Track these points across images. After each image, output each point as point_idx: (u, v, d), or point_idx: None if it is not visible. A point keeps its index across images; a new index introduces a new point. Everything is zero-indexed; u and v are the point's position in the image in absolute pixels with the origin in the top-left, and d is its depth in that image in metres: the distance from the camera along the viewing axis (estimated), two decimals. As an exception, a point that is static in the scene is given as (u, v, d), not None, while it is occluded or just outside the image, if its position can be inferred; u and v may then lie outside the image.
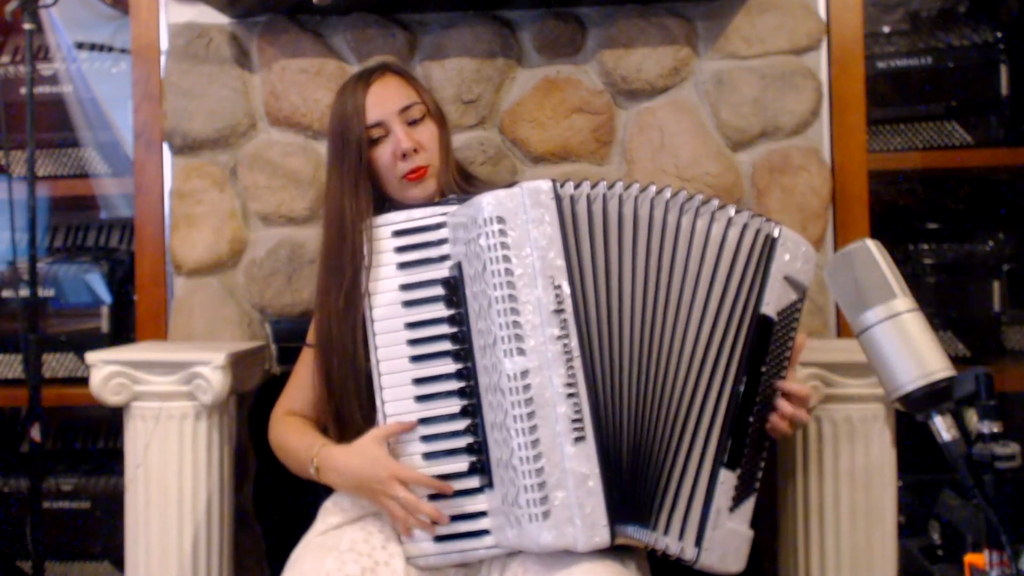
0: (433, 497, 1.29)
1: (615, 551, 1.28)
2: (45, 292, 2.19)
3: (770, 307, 1.28)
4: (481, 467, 1.27)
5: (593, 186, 1.27)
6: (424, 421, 1.31)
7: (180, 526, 1.69)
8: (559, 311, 1.21)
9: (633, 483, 1.24)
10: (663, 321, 1.26)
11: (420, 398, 1.31)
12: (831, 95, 1.97)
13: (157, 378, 1.70)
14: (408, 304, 1.34)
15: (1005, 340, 2.16)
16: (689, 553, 1.24)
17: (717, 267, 1.27)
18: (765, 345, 1.28)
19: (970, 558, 0.95)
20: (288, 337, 1.96)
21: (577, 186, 1.27)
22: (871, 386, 1.59)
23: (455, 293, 1.30)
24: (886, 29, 2.21)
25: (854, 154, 1.97)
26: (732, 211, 1.29)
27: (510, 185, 1.29)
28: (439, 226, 1.35)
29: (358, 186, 1.45)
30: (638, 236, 1.27)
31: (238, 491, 1.93)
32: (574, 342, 1.21)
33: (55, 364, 2.22)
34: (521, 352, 1.20)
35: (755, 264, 1.28)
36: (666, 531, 1.24)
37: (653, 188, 1.29)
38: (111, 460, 2.22)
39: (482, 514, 1.28)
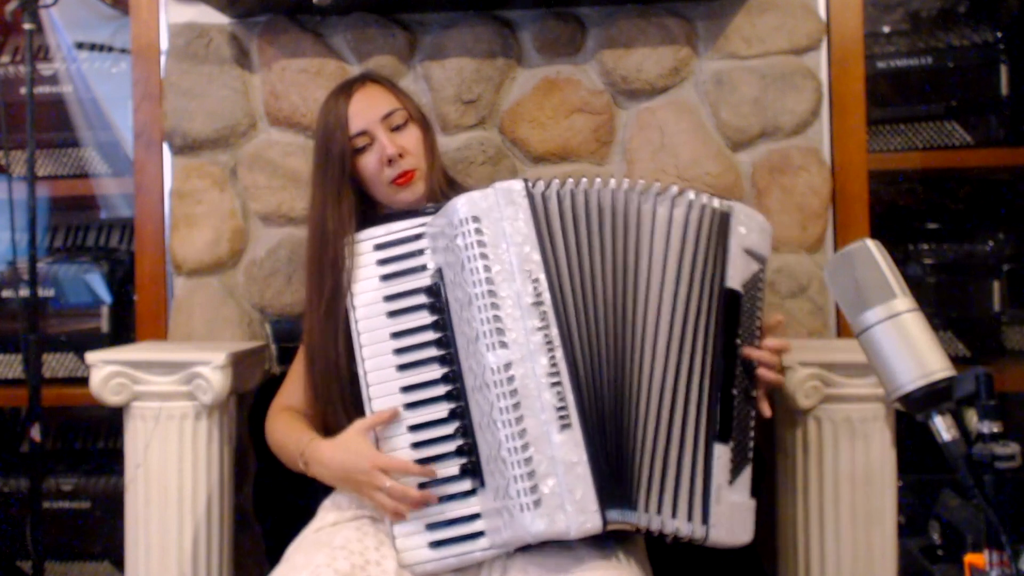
0: (423, 486, 1.31)
1: (616, 549, 1.28)
2: (45, 292, 2.19)
3: (735, 281, 1.32)
4: (472, 468, 1.28)
5: (562, 184, 1.31)
6: (413, 428, 1.32)
7: (180, 526, 1.69)
8: (538, 303, 1.24)
9: (624, 467, 1.25)
10: (635, 306, 1.29)
11: (408, 405, 1.33)
12: (831, 95, 1.97)
13: (157, 378, 1.70)
14: (392, 314, 1.36)
15: (1005, 340, 2.16)
16: (699, 532, 1.26)
17: (683, 249, 1.31)
18: (736, 318, 1.31)
19: (970, 558, 0.95)
20: (288, 337, 1.96)
21: (548, 184, 1.30)
22: (871, 386, 1.59)
23: (438, 299, 1.33)
24: (886, 29, 2.21)
25: (854, 154, 1.97)
26: (691, 194, 1.33)
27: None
28: (418, 237, 1.38)
29: (340, 197, 1.48)
30: (605, 227, 1.31)
31: (238, 491, 1.94)
32: (554, 332, 1.23)
33: (55, 364, 2.22)
34: (503, 345, 1.22)
35: (715, 241, 1.32)
36: (673, 514, 1.25)
37: (614, 181, 1.32)
38: (111, 460, 2.22)
39: (476, 516, 1.28)
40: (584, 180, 1.32)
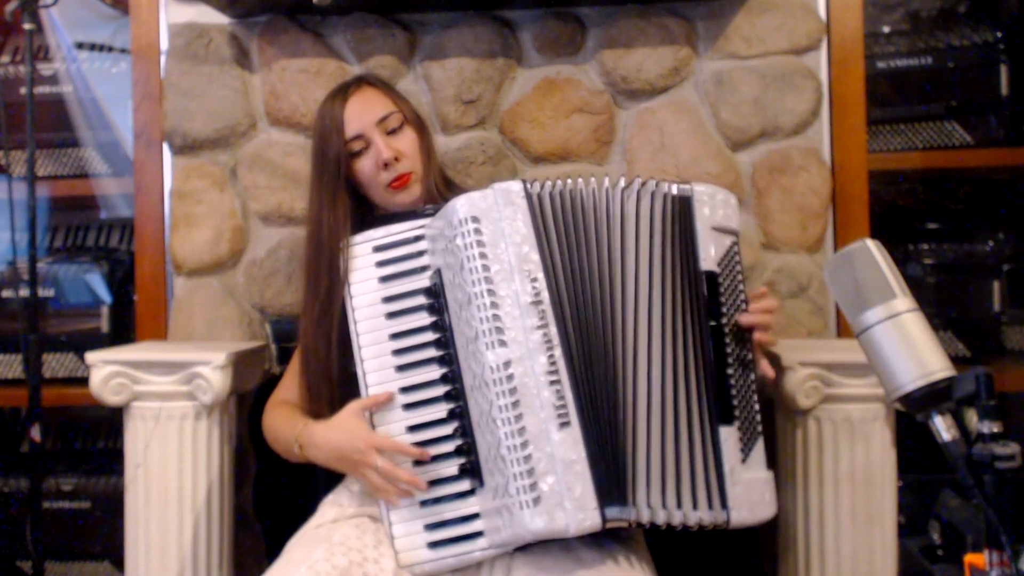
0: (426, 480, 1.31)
1: (616, 550, 1.28)
2: (45, 292, 2.19)
3: (708, 261, 1.33)
4: (471, 468, 1.29)
5: (555, 184, 1.32)
6: (412, 428, 1.33)
7: (180, 526, 1.69)
8: (536, 302, 1.24)
9: (624, 465, 1.24)
10: (625, 302, 1.30)
11: (407, 406, 1.33)
12: (831, 95, 1.97)
13: (157, 378, 1.70)
14: (392, 315, 1.37)
15: (1005, 340, 2.16)
16: (720, 517, 1.26)
17: (651, 240, 1.32)
18: (716, 296, 1.32)
19: (970, 558, 0.95)
20: (288, 337, 1.96)
21: (543, 185, 1.32)
22: (871, 386, 1.59)
23: (437, 300, 1.34)
24: (886, 29, 2.21)
25: (854, 154, 1.97)
26: (651, 185, 1.34)
27: None
28: (418, 238, 1.39)
29: (336, 201, 1.50)
30: (591, 225, 1.32)
31: (238, 491, 1.94)
32: (553, 330, 1.24)
33: (55, 364, 2.22)
34: (503, 344, 1.22)
35: (681, 227, 1.33)
36: (694, 505, 1.25)
37: (595, 180, 1.34)
38: (111, 460, 2.22)
39: (475, 516, 1.29)
40: (580, 180, 1.33)
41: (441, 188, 1.59)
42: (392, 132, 1.53)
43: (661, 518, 1.24)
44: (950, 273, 2.15)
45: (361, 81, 1.59)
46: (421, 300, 1.36)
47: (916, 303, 0.99)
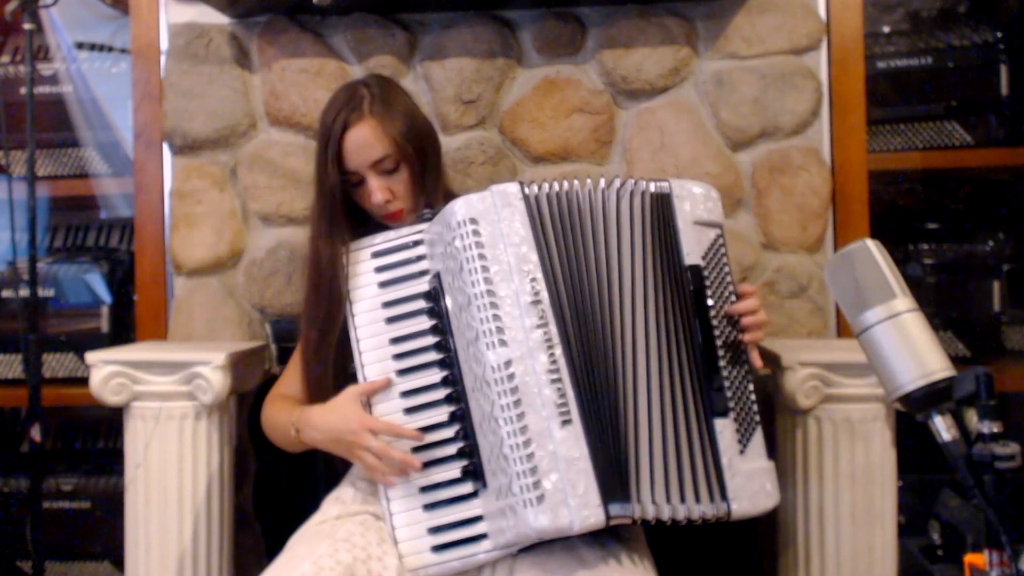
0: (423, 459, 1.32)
1: (619, 551, 1.29)
2: (45, 292, 2.19)
3: (692, 255, 1.34)
4: (473, 470, 1.29)
5: (552, 186, 1.33)
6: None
7: (180, 526, 1.69)
8: (536, 302, 1.25)
9: (626, 461, 1.25)
10: (621, 300, 1.30)
11: (409, 410, 1.34)
12: (831, 95, 1.98)
13: (157, 378, 1.70)
14: (391, 320, 1.38)
15: (1005, 340, 2.16)
16: (721, 510, 1.26)
17: (632, 238, 1.32)
18: (703, 290, 1.33)
19: (970, 558, 0.95)
20: (288, 337, 1.96)
21: (540, 186, 1.32)
22: (871, 386, 1.59)
23: (436, 304, 1.34)
24: (886, 29, 2.21)
25: (854, 154, 1.97)
26: (631, 184, 1.35)
27: None
28: (416, 243, 1.39)
29: (332, 229, 1.49)
30: (587, 226, 1.32)
31: (238, 491, 1.94)
32: (553, 329, 1.25)
33: (55, 364, 2.22)
34: (503, 343, 1.23)
35: (662, 224, 1.34)
36: (696, 499, 1.26)
37: (590, 181, 1.34)
38: (111, 460, 2.22)
39: (478, 519, 1.29)
40: (575, 182, 1.34)
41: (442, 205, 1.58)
42: (387, 172, 1.52)
43: (664, 513, 1.24)
44: (950, 273, 2.15)
45: (361, 112, 1.50)
46: (421, 304, 1.36)
47: (916, 303, 0.99)
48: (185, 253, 2.02)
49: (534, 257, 1.27)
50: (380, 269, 1.41)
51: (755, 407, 1.34)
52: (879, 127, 2.14)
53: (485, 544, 1.28)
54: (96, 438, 2.40)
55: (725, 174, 1.96)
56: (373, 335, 1.38)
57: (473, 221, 1.27)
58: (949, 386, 0.94)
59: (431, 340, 1.34)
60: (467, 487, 1.30)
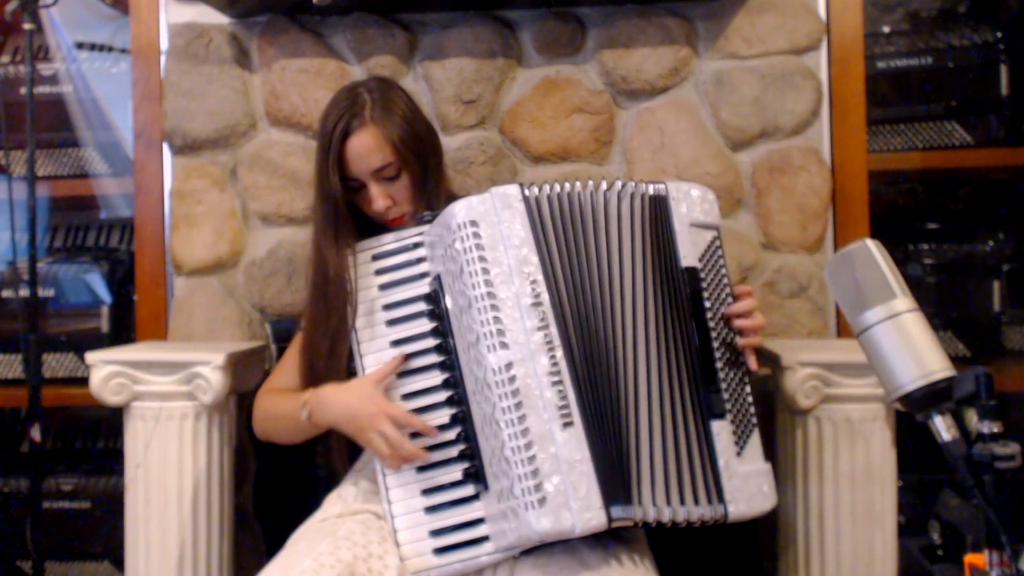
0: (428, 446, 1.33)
1: (620, 552, 1.29)
2: (45, 292, 2.19)
3: (689, 258, 1.34)
4: (475, 473, 1.29)
5: (552, 187, 1.33)
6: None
7: (180, 526, 1.69)
8: (536, 304, 1.25)
9: (626, 463, 1.25)
10: (621, 302, 1.30)
11: (410, 412, 1.34)
12: (831, 95, 1.98)
13: (157, 378, 1.70)
14: (392, 323, 1.38)
15: (1005, 340, 2.16)
16: (718, 512, 1.26)
17: (633, 240, 1.33)
18: (699, 292, 1.33)
19: (970, 558, 0.95)
20: (288, 337, 1.94)
21: (540, 188, 1.32)
22: (871, 386, 1.59)
23: (437, 306, 1.34)
24: (886, 29, 2.21)
25: (854, 154, 1.97)
26: (631, 186, 1.35)
27: None
28: (416, 245, 1.39)
29: (338, 235, 1.48)
30: (588, 227, 1.33)
31: (238, 491, 1.94)
32: (554, 331, 1.24)
33: (55, 364, 2.22)
34: (504, 346, 1.23)
35: (658, 226, 1.34)
36: (695, 500, 1.26)
37: (592, 182, 1.34)
38: (111, 460, 2.22)
39: (480, 521, 1.29)
40: (577, 183, 1.33)
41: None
42: (388, 179, 1.51)
43: (664, 515, 1.24)
44: (950, 273, 2.15)
45: (362, 119, 1.49)
46: (421, 307, 1.36)
47: (916, 303, 0.99)
48: (185, 253, 2.02)
49: (534, 259, 1.27)
50: (380, 272, 1.41)
51: (752, 409, 1.34)
52: (879, 127, 2.14)
53: (487, 546, 1.28)
54: (96, 438, 2.40)
55: (725, 174, 1.96)
56: (373, 338, 1.38)
57: (473, 223, 1.27)
58: (949, 386, 0.94)
59: (432, 342, 1.34)
60: (468, 490, 1.30)
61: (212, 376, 1.67)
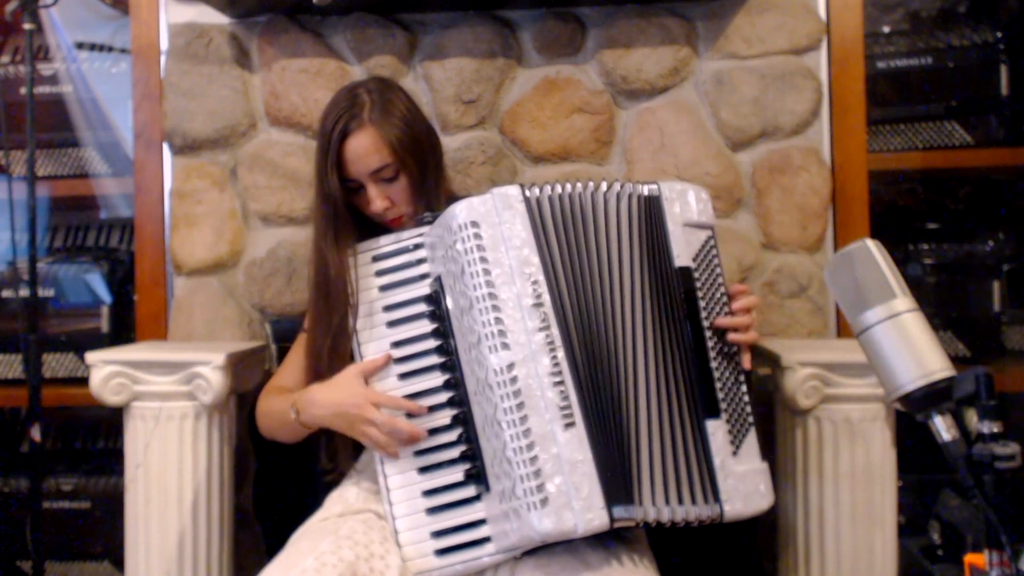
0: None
1: (620, 552, 1.29)
2: (45, 292, 2.19)
3: (682, 257, 1.34)
4: (476, 473, 1.29)
5: (552, 188, 1.33)
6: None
7: (180, 526, 1.69)
8: (538, 304, 1.25)
9: (627, 463, 1.25)
10: (622, 302, 1.31)
11: (411, 414, 1.34)
12: (831, 95, 1.98)
13: (157, 378, 1.70)
14: (392, 324, 1.38)
15: (1005, 340, 2.16)
16: (714, 511, 1.27)
17: (631, 240, 1.33)
18: (693, 292, 1.34)
19: (970, 558, 0.95)
20: (288, 337, 1.95)
21: (541, 188, 1.32)
22: (871, 386, 1.59)
23: (437, 307, 1.34)
24: (886, 29, 2.21)
25: (854, 154, 1.97)
26: (629, 187, 1.35)
27: None
28: (417, 246, 1.39)
29: (339, 236, 1.48)
30: (589, 227, 1.33)
31: (238, 491, 1.94)
32: (555, 332, 1.24)
33: (55, 364, 2.22)
34: (505, 347, 1.23)
35: (652, 226, 1.34)
36: (692, 500, 1.26)
37: (593, 183, 1.34)
38: (111, 460, 2.23)
39: (481, 522, 1.29)
40: (578, 184, 1.34)
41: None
42: (387, 180, 1.51)
43: (664, 515, 1.25)
44: (950, 273, 2.15)
45: (361, 120, 1.49)
46: (422, 308, 1.36)
47: (916, 303, 0.99)
48: (185, 253, 2.02)
49: (535, 259, 1.27)
50: (381, 273, 1.41)
51: (749, 408, 1.34)
52: (879, 127, 2.14)
53: (488, 547, 1.28)
54: (96, 438, 2.40)
55: (725, 174, 1.96)
56: (374, 339, 1.38)
57: (474, 224, 1.27)
58: (949, 386, 0.94)
59: (432, 343, 1.34)
60: (470, 490, 1.30)
61: (212, 376, 1.67)
